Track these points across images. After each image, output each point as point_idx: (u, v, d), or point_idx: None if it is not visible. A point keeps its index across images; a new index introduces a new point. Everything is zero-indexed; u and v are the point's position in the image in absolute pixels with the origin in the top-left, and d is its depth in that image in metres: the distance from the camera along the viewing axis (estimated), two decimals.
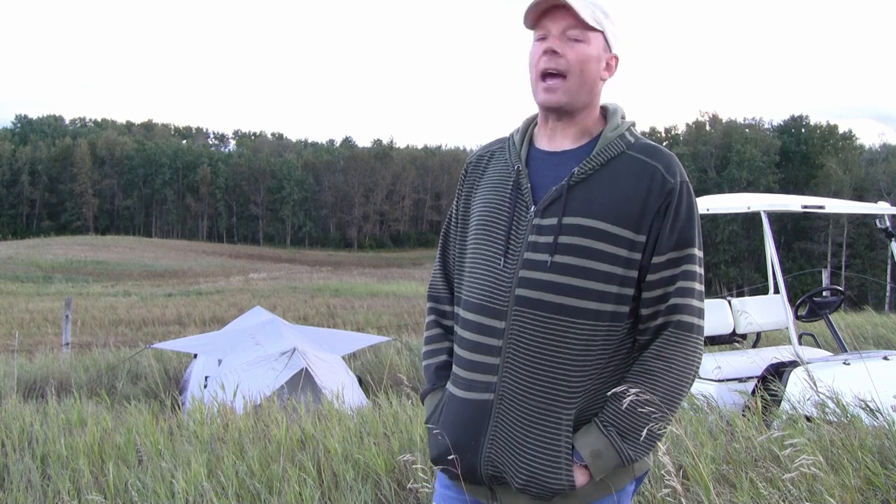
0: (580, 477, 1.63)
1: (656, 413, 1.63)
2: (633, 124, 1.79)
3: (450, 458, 1.72)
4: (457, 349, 1.79)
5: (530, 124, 1.83)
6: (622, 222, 1.63)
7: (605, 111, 1.79)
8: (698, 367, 1.70)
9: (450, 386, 1.79)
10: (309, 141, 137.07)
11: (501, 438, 1.67)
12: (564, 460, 1.63)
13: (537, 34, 1.72)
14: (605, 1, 1.72)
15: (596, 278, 1.63)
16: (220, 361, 7.88)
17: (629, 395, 1.62)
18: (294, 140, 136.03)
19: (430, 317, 1.94)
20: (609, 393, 1.65)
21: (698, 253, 1.70)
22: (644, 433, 1.63)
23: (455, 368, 1.78)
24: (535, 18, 1.71)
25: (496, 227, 1.73)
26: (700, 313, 1.70)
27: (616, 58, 1.78)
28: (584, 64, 1.69)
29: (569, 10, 1.66)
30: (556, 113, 1.72)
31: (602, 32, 1.71)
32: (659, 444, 1.79)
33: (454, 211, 1.91)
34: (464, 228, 1.84)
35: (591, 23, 1.68)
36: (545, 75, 1.69)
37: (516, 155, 1.77)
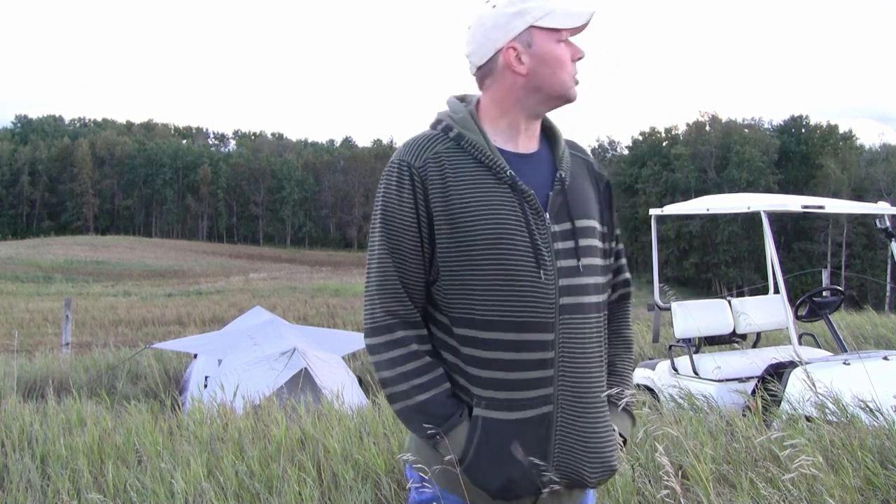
0: (619, 453, 1.79)
1: (629, 377, 1.90)
2: None
3: (514, 484, 1.64)
4: (481, 371, 1.64)
5: (474, 121, 1.72)
6: (598, 217, 1.80)
7: None
8: None
9: (481, 412, 1.64)
10: (309, 141, 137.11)
11: (571, 443, 1.67)
12: (615, 441, 1.75)
13: (559, 35, 1.72)
14: None
15: (603, 273, 1.78)
16: (220, 361, 7.88)
17: (622, 368, 1.88)
18: (294, 140, 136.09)
19: (412, 346, 1.68)
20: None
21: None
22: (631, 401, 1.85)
23: (482, 391, 1.65)
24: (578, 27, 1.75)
25: (519, 239, 1.64)
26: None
27: None
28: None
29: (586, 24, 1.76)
30: (562, 106, 1.80)
31: None
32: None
33: (410, 220, 1.67)
34: (453, 244, 1.65)
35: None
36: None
37: (497, 157, 1.68)
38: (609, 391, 1.78)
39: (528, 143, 1.75)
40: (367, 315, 1.77)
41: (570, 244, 1.69)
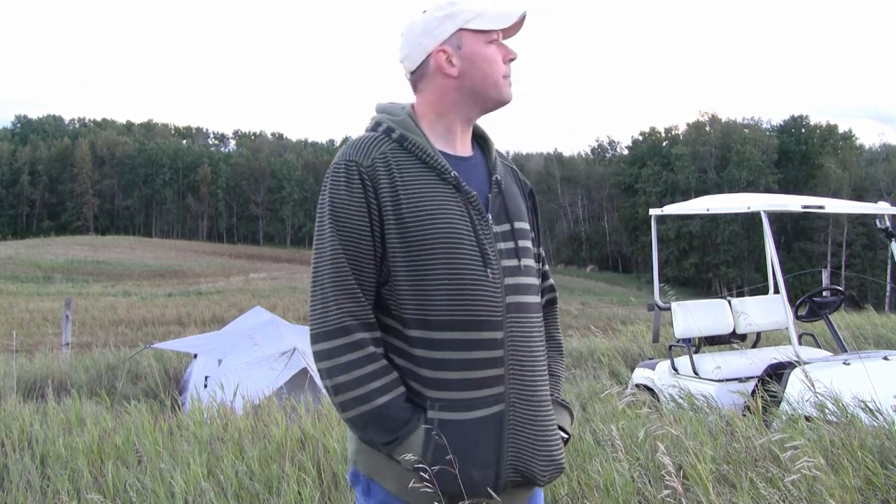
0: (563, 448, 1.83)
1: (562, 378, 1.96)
2: None
3: (485, 480, 1.64)
4: (434, 373, 1.64)
5: (415, 124, 1.73)
6: (528, 221, 1.84)
7: None
8: None
9: (439, 414, 1.63)
10: (309, 141, 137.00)
11: (522, 442, 1.69)
12: (560, 440, 1.79)
13: (488, 36, 1.76)
14: None
15: (536, 274, 1.83)
16: (220, 361, 7.87)
17: (556, 367, 1.92)
18: (294, 140, 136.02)
19: (369, 349, 1.63)
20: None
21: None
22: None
23: (436, 393, 1.64)
24: (511, 27, 1.79)
25: (464, 239, 1.65)
26: None
27: None
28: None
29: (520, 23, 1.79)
30: (490, 112, 1.83)
31: None
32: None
33: (362, 221, 1.66)
34: (402, 245, 1.64)
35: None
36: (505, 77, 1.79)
37: (441, 159, 1.69)
38: (553, 391, 1.85)
39: (464, 146, 1.80)
40: (318, 317, 1.65)
41: (510, 244, 1.74)
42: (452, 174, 1.69)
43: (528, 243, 1.79)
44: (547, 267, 1.97)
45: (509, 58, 1.77)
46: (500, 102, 1.79)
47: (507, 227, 1.75)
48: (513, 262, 1.73)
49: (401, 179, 1.66)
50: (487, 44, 1.75)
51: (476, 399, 1.65)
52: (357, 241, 1.65)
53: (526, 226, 1.81)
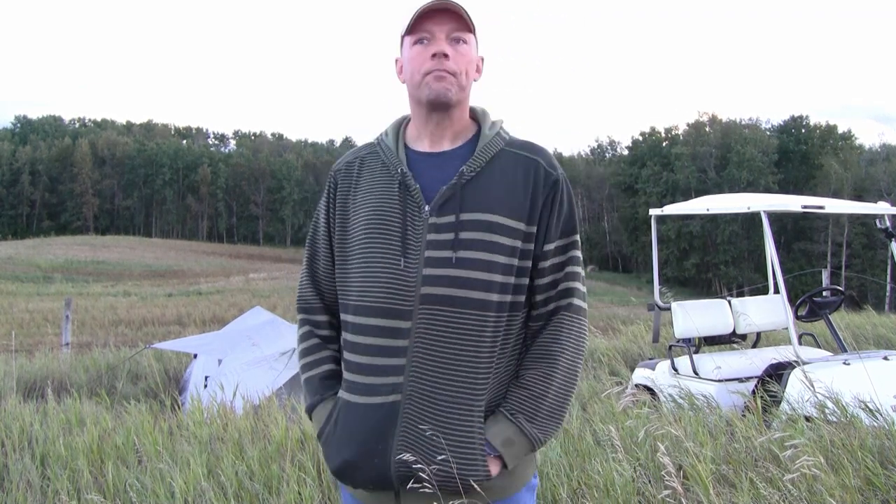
0: (494, 467, 1.67)
1: (558, 393, 1.71)
2: (503, 122, 1.85)
3: (364, 463, 1.69)
4: (350, 356, 1.75)
5: (400, 126, 1.85)
6: (515, 215, 1.70)
7: (473, 113, 1.85)
8: (585, 348, 1.78)
9: (343, 394, 1.75)
10: (309, 141, 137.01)
11: (414, 438, 1.66)
12: (479, 452, 1.65)
13: (416, 37, 1.74)
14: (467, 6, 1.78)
15: (498, 270, 1.68)
16: (219, 361, 7.88)
17: (532, 380, 1.70)
18: (294, 140, 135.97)
19: (304, 328, 1.89)
20: (513, 381, 1.73)
21: (578, 238, 1.80)
22: (551, 416, 1.70)
23: (349, 375, 1.75)
24: (425, 22, 1.72)
25: (389, 229, 1.72)
26: (584, 296, 1.81)
27: (482, 59, 1.84)
28: (468, 66, 1.76)
29: (454, 12, 1.71)
30: (443, 108, 1.75)
31: (474, 34, 1.78)
32: (561, 428, 1.83)
33: (323, 219, 1.87)
34: (342, 236, 1.80)
35: (470, 24, 1.74)
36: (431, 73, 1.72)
37: (395, 157, 1.78)
38: (509, 399, 1.69)
39: (441, 142, 1.80)
40: None
41: (448, 236, 1.68)
42: (399, 170, 1.75)
43: (484, 235, 1.67)
44: (568, 270, 1.76)
45: (431, 53, 1.72)
46: (429, 100, 1.73)
47: (450, 218, 1.68)
48: (443, 254, 1.67)
49: (357, 181, 1.81)
50: (412, 45, 1.75)
51: (376, 385, 1.69)
52: (318, 236, 1.88)
53: (493, 218, 1.68)
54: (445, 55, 1.71)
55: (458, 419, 1.65)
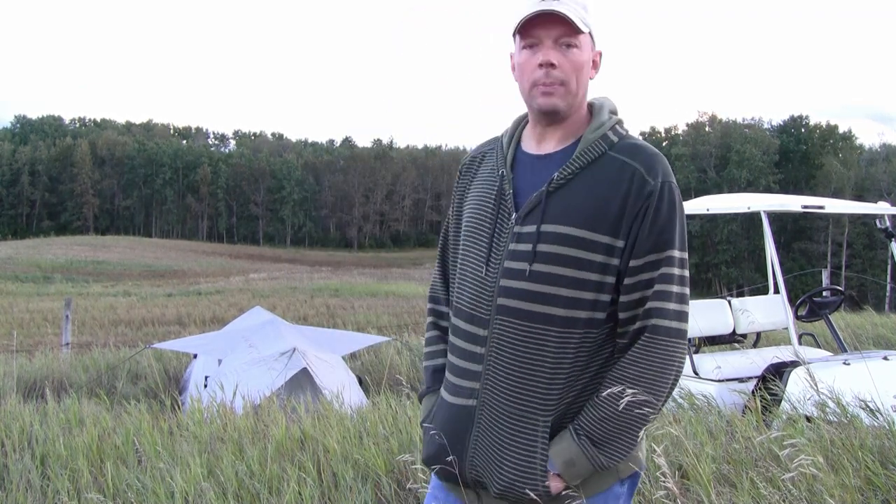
0: (555, 484, 1.63)
1: (629, 418, 1.59)
2: (620, 122, 1.73)
3: (443, 458, 1.73)
4: (449, 354, 1.81)
5: (519, 125, 1.81)
6: (600, 228, 1.60)
7: (591, 108, 1.76)
8: (678, 371, 1.64)
9: (441, 390, 1.81)
10: (309, 141, 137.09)
11: (482, 444, 1.68)
12: (540, 468, 1.62)
13: (525, 41, 1.67)
14: None
15: (571, 286, 1.61)
16: (219, 361, 7.87)
17: (603, 402, 1.60)
18: (294, 140, 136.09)
19: (430, 318, 1.95)
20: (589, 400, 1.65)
21: (678, 254, 1.64)
22: (618, 440, 1.60)
23: (446, 373, 1.80)
24: (532, 29, 1.66)
25: (481, 235, 1.72)
26: (679, 316, 1.63)
27: (600, 53, 1.74)
28: (579, 72, 1.67)
29: (562, 18, 1.63)
30: (552, 116, 1.69)
31: (590, 32, 1.69)
32: (640, 449, 1.72)
33: (451, 214, 1.90)
34: (456, 233, 1.85)
35: (582, 27, 1.64)
36: (542, 83, 1.66)
37: (502, 159, 1.76)
38: (580, 418, 1.62)
39: (548, 144, 1.73)
40: None
41: (527, 247, 1.63)
42: (499, 172, 1.74)
43: (563, 249, 1.60)
44: (657, 288, 1.61)
45: (537, 62, 1.64)
46: (537, 111, 1.68)
47: (532, 228, 1.63)
48: (520, 266, 1.63)
49: (474, 178, 1.83)
50: (522, 49, 1.69)
51: (459, 387, 1.74)
52: (449, 229, 1.91)
53: (574, 231, 1.60)
54: (552, 64, 1.63)
55: (522, 432, 1.64)
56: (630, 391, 1.59)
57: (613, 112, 1.75)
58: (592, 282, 1.61)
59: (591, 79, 1.72)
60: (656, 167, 1.63)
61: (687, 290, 1.66)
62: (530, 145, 1.76)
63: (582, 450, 1.60)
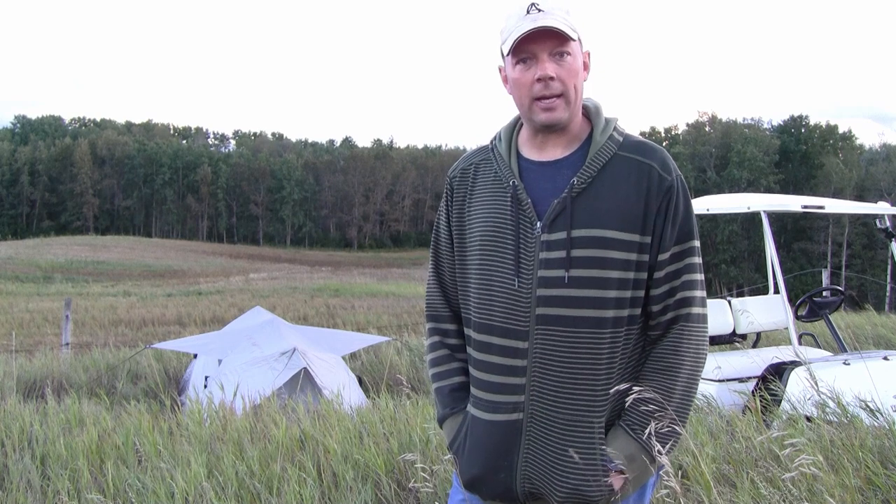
0: (617, 482, 1.65)
1: (679, 407, 1.67)
2: (617, 121, 1.76)
3: (491, 477, 1.71)
4: (475, 372, 1.76)
5: (513, 131, 1.79)
6: (628, 226, 1.64)
7: (586, 110, 1.76)
8: (705, 356, 1.73)
9: (471, 409, 1.77)
10: (309, 141, 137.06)
11: (537, 455, 1.67)
12: (602, 468, 1.64)
13: (518, 57, 1.67)
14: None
15: (612, 286, 1.63)
16: (219, 361, 7.87)
17: (647, 395, 1.65)
18: (294, 140, 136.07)
19: (434, 337, 1.90)
20: (631, 396, 1.67)
21: (697, 244, 1.73)
22: (670, 430, 1.66)
23: (475, 391, 1.76)
24: (528, 46, 1.65)
25: (503, 247, 1.70)
26: (704, 302, 1.73)
27: (589, 54, 1.74)
28: (575, 79, 1.68)
29: (553, 30, 1.64)
30: (555, 128, 1.70)
31: (579, 38, 1.69)
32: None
33: (443, 227, 1.86)
34: (461, 246, 1.80)
35: (572, 34, 1.65)
36: (542, 98, 1.66)
37: (508, 168, 1.74)
38: (630, 413, 1.66)
39: (553, 150, 1.73)
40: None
41: (560, 254, 1.63)
42: (511, 182, 1.71)
43: (597, 252, 1.62)
44: (686, 278, 1.69)
45: (535, 77, 1.65)
46: (537, 125, 1.70)
47: (561, 235, 1.63)
48: (556, 273, 1.63)
49: (472, 189, 1.79)
50: (515, 65, 1.69)
51: (499, 403, 1.70)
52: (440, 243, 1.88)
53: (605, 233, 1.63)
54: (552, 77, 1.64)
55: (579, 437, 1.65)
56: (678, 379, 1.67)
57: (605, 110, 1.79)
58: (629, 280, 1.65)
59: (584, 81, 1.73)
60: (668, 164, 1.70)
61: (704, 277, 1.76)
62: (532, 153, 1.75)
63: (641, 445, 1.65)
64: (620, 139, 1.70)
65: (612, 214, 1.64)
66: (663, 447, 1.66)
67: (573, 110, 1.69)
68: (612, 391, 1.66)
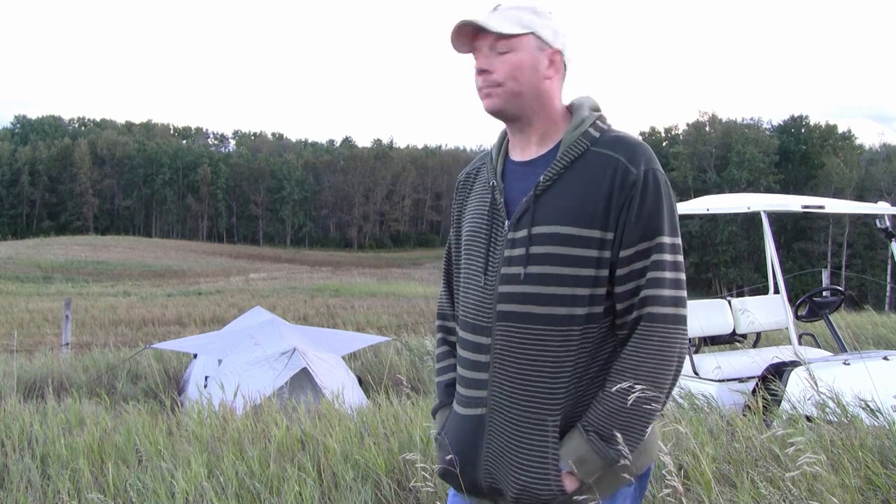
0: (569, 484, 1.63)
1: (635, 410, 1.59)
2: (602, 117, 1.73)
3: (454, 472, 1.76)
4: (458, 367, 1.83)
5: (506, 136, 1.84)
6: (589, 223, 1.62)
7: (570, 108, 1.77)
8: (679, 358, 1.63)
9: (454, 403, 1.84)
10: (309, 141, 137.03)
11: (495, 451, 1.69)
12: (553, 469, 1.63)
13: (470, 52, 1.75)
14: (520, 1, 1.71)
15: (568, 283, 1.62)
16: (220, 361, 7.87)
17: (608, 396, 1.60)
18: (294, 140, 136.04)
19: (439, 334, 1.99)
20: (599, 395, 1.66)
21: (669, 240, 1.63)
22: (626, 433, 1.60)
23: (457, 386, 1.82)
24: (464, 42, 1.72)
25: (478, 246, 1.76)
26: (676, 301, 1.63)
27: (559, 52, 1.73)
28: (517, 72, 1.68)
29: (483, 28, 1.68)
30: (502, 118, 1.75)
31: (533, 33, 1.69)
32: (652, 444, 1.74)
33: (453, 229, 1.95)
34: (457, 247, 1.90)
35: (515, 31, 1.67)
36: (480, 88, 1.73)
37: (492, 170, 1.80)
38: (588, 414, 1.62)
39: (530, 150, 1.76)
40: None
41: (521, 251, 1.66)
42: (490, 183, 1.78)
43: (555, 249, 1.62)
44: (651, 276, 1.61)
45: (476, 69, 1.73)
46: (489, 115, 1.76)
47: (523, 233, 1.66)
48: (515, 270, 1.65)
49: (469, 193, 1.88)
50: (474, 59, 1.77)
51: (468, 398, 1.76)
52: (451, 245, 1.97)
53: (563, 230, 1.62)
54: (485, 70, 1.69)
55: (532, 435, 1.65)
56: (633, 384, 1.59)
57: (595, 109, 1.76)
58: (589, 277, 1.62)
59: (548, 79, 1.71)
60: (638, 156, 1.64)
61: (682, 276, 1.66)
62: (515, 154, 1.79)
63: (592, 446, 1.60)
64: (597, 135, 1.69)
65: (572, 210, 1.63)
66: (617, 452, 1.60)
67: (521, 103, 1.70)
68: (572, 391, 1.64)
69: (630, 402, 1.58)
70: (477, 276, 1.74)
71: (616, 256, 1.62)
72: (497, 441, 1.69)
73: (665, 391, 1.62)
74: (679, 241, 1.66)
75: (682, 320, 1.63)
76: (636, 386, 1.59)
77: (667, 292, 1.62)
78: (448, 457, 1.77)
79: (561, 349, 1.63)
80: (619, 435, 1.59)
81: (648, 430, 1.64)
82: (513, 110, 1.71)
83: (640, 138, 1.70)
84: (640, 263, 1.62)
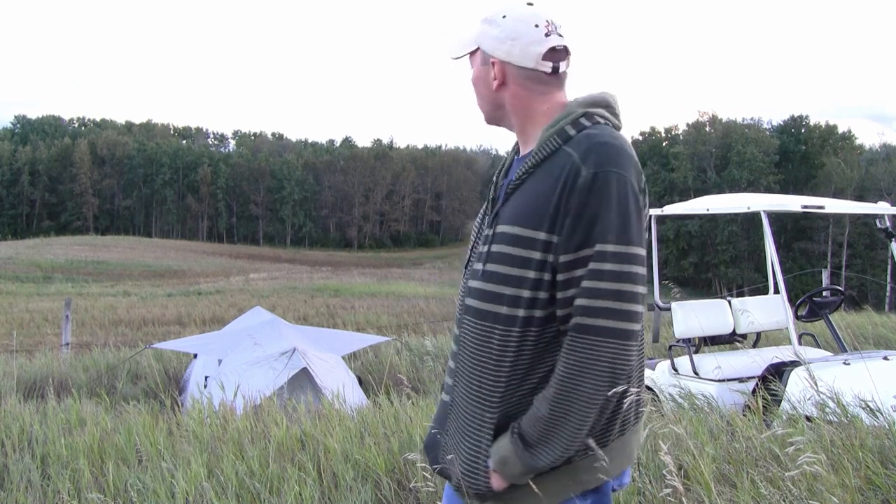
0: (496, 482, 1.63)
1: (556, 419, 1.54)
2: (588, 114, 1.65)
3: (427, 455, 1.84)
4: None
5: None
6: (538, 224, 1.58)
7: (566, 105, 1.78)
8: (610, 373, 1.53)
9: None
10: (309, 141, 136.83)
11: (450, 438, 1.75)
12: (482, 465, 1.65)
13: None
14: (486, 6, 1.76)
15: (512, 283, 1.61)
16: (220, 361, 7.87)
17: (537, 402, 1.58)
18: (294, 140, 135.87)
19: None
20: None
21: (612, 248, 1.53)
22: (549, 442, 1.55)
23: None
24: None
25: (472, 239, 1.86)
26: (613, 314, 1.52)
27: (497, 61, 1.71)
28: (476, 89, 1.80)
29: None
30: (496, 125, 1.84)
31: (479, 48, 1.76)
32: (622, 452, 1.67)
33: None
34: None
35: (459, 52, 1.80)
36: None
37: (501, 166, 1.88)
38: (522, 418, 1.60)
39: (526, 147, 1.81)
40: None
41: (485, 248, 1.71)
42: (493, 180, 1.86)
43: (504, 248, 1.62)
44: (590, 284, 1.53)
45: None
46: None
47: (491, 230, 1.71)
48: (478, 266, 1.71)
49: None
50: None
51: (444, 384, 1.83)
52: None
53: (512, 230, 1.62)
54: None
55: (471, 428, 1.68)
56: (558, 390, 1.54)
57: (593, 104, 1.68)
58: (531, 279, 1.59)
59: (500, 89, 1.74)
60: (591, 156, 1.56)
61: (628, 287, 1.53)
62: (522, 150, 1.85)
63: (514, 448, 1.58)
64: (573, 132, 1.62)
65: (525, 210, 1.62)
66: (533, 457, 1.56)
67: (496, 114, 1.80)
68: (512, 391, 1.62)
69: (550, 411, 1.54)
70: (464, 269, 1.84)
71: (557, 261, 1.57)
72: (452, 428, 1.74)
73: (589, 406, 1.53)
74: (633, 249, 1.54)
75: (620, 334, 1.52)
76: (556, 395, 1.54)
77: (602, 303, 1.52)
78: (449, 456, 1.78)
79: (501, 347, 1.62)
80: (541, 442, 1.55)
81: (577, 442, 1.56)
82: (494, 120, 1.82)
83: (626, 138, 1.64)
84: (580, 271, 1.54)
